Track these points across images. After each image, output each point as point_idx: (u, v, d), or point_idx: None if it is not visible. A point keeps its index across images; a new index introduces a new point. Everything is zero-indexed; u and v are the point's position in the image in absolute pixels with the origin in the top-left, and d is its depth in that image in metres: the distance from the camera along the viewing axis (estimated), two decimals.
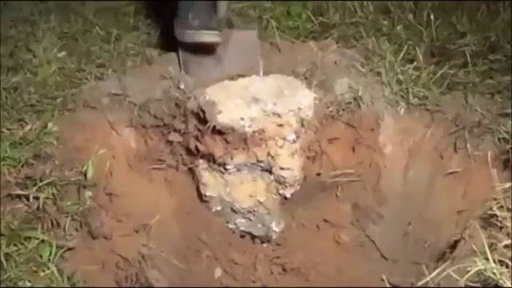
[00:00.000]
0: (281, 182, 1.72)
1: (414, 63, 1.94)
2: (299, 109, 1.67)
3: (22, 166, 1.60)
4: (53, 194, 1.55)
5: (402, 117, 1.87)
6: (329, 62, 1.96)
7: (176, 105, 1.78)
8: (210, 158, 1.72)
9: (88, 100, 1.85)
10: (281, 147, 1.67)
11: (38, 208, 1.51)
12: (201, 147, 1.70)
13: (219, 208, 1.82)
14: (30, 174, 1.56)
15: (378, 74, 1.93)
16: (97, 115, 1.83)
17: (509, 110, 1.76)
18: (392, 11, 2.28)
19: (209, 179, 1.78)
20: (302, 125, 1.69)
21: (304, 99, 1.69)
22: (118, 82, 1.90)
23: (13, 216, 1.50)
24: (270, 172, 1.72)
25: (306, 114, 1.69)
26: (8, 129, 1.70)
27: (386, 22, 2.22)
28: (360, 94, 1.85)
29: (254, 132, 1.64)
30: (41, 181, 1.54)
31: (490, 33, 2.10)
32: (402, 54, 1.94)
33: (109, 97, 1.86)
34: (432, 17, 2.15)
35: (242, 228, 1.85)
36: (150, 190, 1.84)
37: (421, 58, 1.94)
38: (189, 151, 1.77)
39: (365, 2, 2.27)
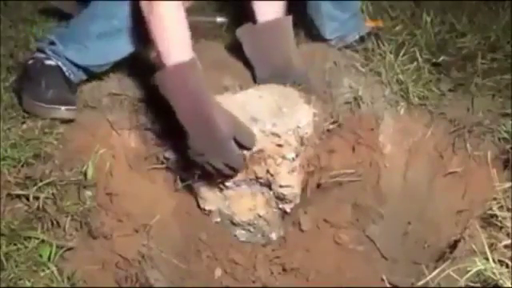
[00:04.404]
0: (281, 198, 1.70)
1: (414, 63, 1.94)
2: (298, 127, 1.62)
3: (22, 166, 1.59)
4: (53, 194, 1.54)
5: (402, 117, 1.87)
6: (328, 62, 1.95)
7: None
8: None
9: (88, 100, 1.85)
10: (280, 165, 1.63)
11: (38, 208, 1.51)
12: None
13: (218, 219, 1.81)
14: (30, 174, 1.56)
15: (378, 74, 1.93)
16: (97, 115, 1.83)
17: (509, 110, 1.76)
18: (392, 11, 2.29)
19: (207, 194, 1.77)
20: (302, 143, 1.65)
21: (303, 117, 1.64)
22: (117, 81, 1.90)
23: (13, 216, 1.50)
24: (270, 187, 1.69)
25: (306, 131, 1.65)
26: (8, 129, 1.70)
27: (386, 22, 2.23)
28: (360, 93, 1.85)
29: (253, 153, 1.61)
30: (41, 181, 1.54)
31: (490, 33, 2.10)
32: (401, 54, 1.94)
33: (109, 97, 1.86)
34: (432, 17, 2.15)
35: (242, 239, 1.83)
36: (150, 190, 1.84)
37: (420, 57, 1.95)
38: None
39: (365, 2, 2.27)
